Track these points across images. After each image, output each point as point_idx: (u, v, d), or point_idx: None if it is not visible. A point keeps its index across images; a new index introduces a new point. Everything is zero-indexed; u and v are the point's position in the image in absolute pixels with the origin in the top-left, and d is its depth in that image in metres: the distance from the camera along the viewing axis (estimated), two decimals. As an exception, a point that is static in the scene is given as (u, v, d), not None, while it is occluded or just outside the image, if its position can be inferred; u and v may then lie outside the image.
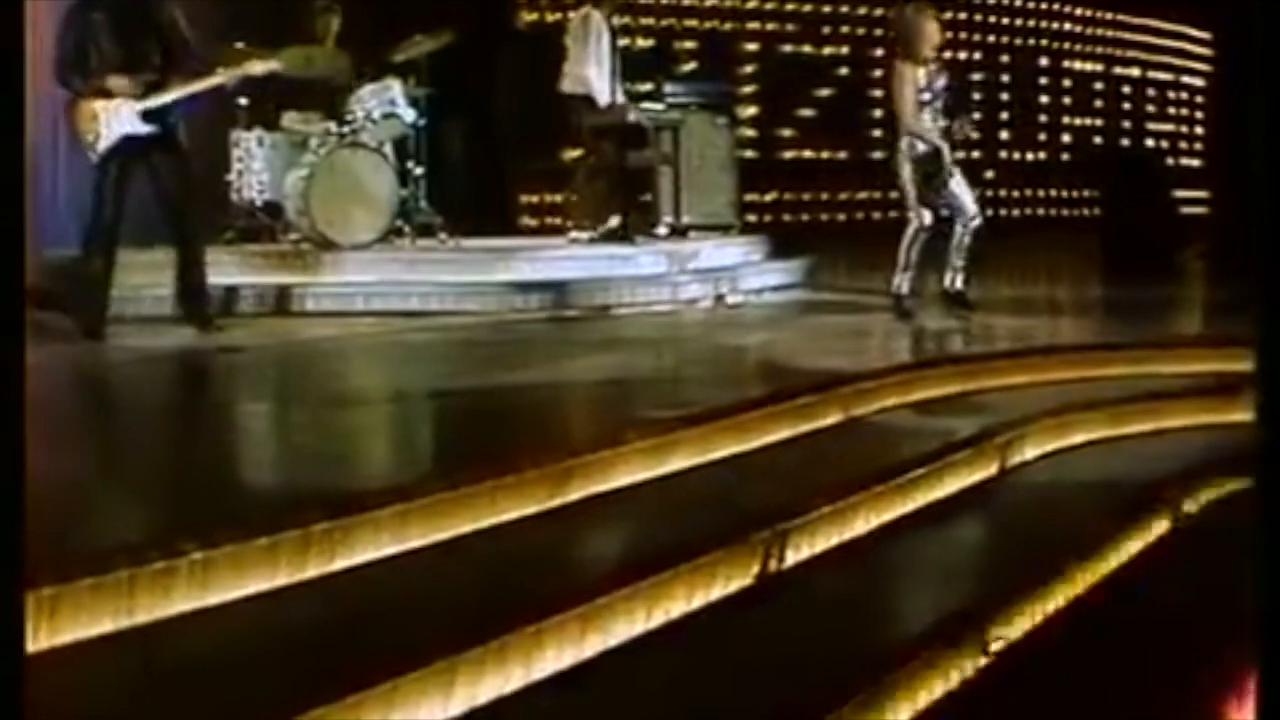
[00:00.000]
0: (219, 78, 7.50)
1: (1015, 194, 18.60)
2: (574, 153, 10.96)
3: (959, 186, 8.07)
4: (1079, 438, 5.78)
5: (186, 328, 7.38)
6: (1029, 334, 7.86)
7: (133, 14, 7.20)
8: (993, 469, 5.24)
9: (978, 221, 8.07)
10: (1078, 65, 19.66)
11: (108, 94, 7.09)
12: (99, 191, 7.13)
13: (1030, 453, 5.48)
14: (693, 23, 15.78)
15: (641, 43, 15.00)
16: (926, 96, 7.97)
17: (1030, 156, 18.87)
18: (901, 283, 8.09)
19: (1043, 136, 19.05)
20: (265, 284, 8.60)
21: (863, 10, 17.04)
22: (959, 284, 8.14)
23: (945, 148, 7.96)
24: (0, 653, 2.16)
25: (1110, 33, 20.09)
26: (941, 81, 8.04)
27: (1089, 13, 19.66)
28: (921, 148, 7.97)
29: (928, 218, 8.03)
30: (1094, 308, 9.94)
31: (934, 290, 8.33)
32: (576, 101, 9.79)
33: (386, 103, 9.52)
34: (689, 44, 15.60)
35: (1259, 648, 2.30)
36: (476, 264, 9.06)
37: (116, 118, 7.10)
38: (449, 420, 5.45)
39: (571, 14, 10.29)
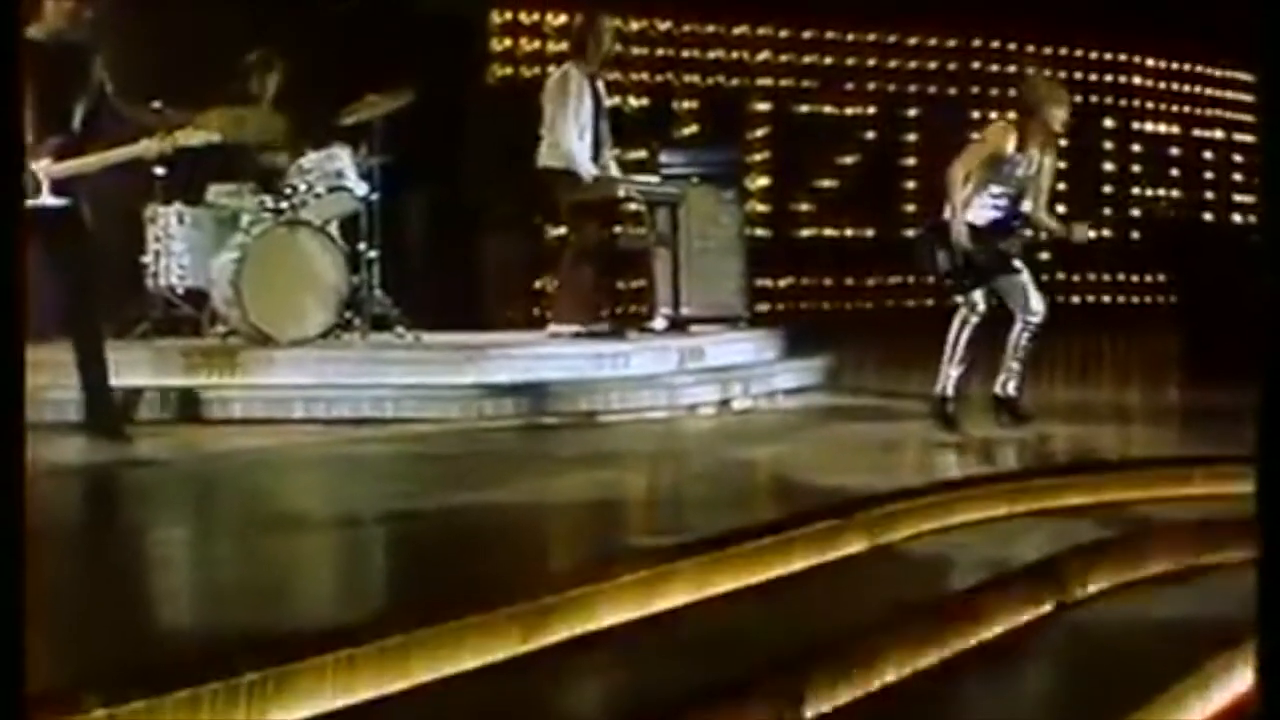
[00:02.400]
0: (141, 148, 7.54)
1: (1075, 279, 18.67)
2: (556, 232, 11.07)
3: (1025, 279, 8.14)
4: (1153, 568, 5.79)
5: (90, 437, 7.38)
6: (1092, 446, 7.90)
7: (62, 63, 7.20)
8: (1049, 606, 5.25)
9: (1038, 318, 8.11)
10: (1149, 126, 19.82)
11: None
12: None
13: (1094, 586, 5.49)
14: (694, 79, 15.94)
15: (634, 103, 15.14)
16: (1011, 173, 8.07)
17: (1093, 234, 18.96)
18: (946, 383, 8.13)
19: (1108, 211, 19.16)
20: (186, 386, 8.64)
21: (893, 63, 17.20)
22: (1011, 389, 8.18)
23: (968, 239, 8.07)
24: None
25: (1188, 88, 20.23)
26: (1030, 163, 8.13)
27: (1163, 65, 19.78)
28: (976, 216, 8.09)
29: (980, 305, 8.10)
30: (1170, 415, 9.99)
31: (981, 393, 8.38)
32: (556, 176, 9.89)
33: (333, 173, 9.63)
34: (689, 104, 15.77)
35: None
36: (440, 363, 9.13)
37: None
38: (405, 548, 5.47)
39: (552, 69, 10.42)
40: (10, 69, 2.55)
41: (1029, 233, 8.24)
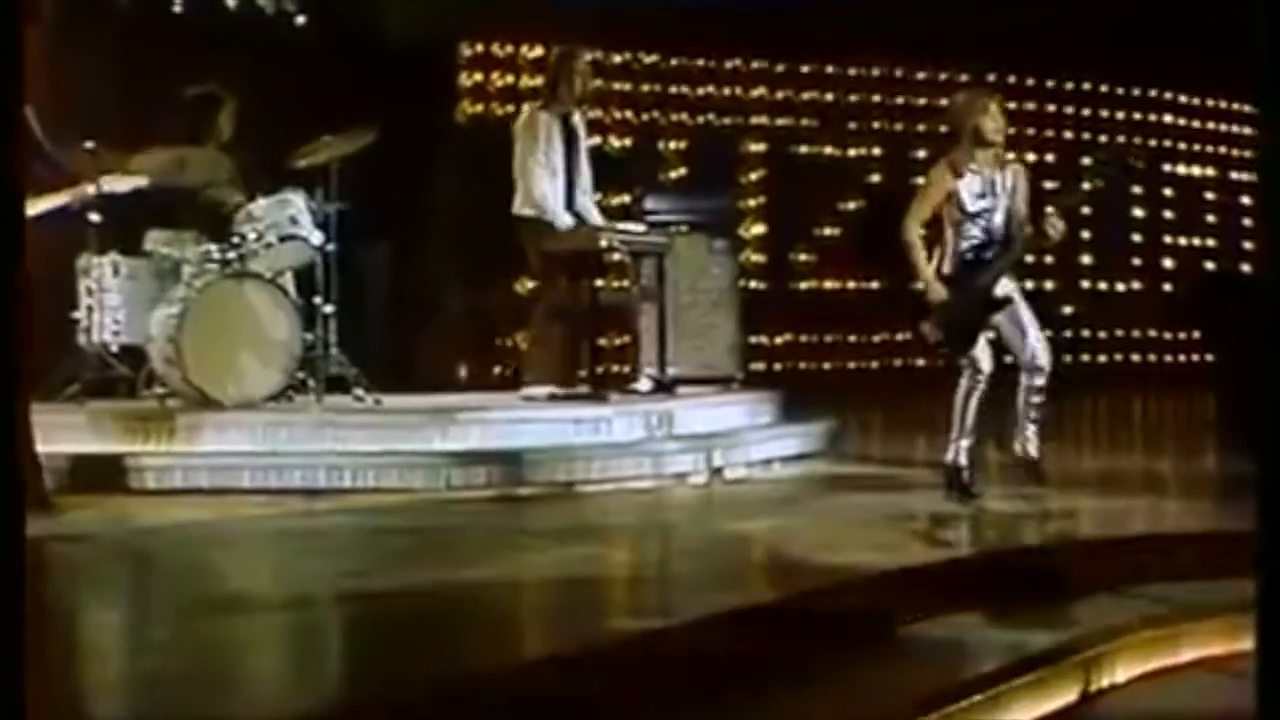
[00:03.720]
0: (66, 197, 7.53)
1: (1101, 335, 18.70)
2: (531, 285, 11.07)
3: (1023, 321, 8.16)
4: (1188, 654, 5.79)
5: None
6: (1121, 517, 7.90)
7: None
8: (1073, 695, 5.25)
9: (1043, 371, 8.13)
10: (1182, 169, 19.87)
11: None
12: None
13: (1122, 674, 5.49)
14: (682, 117, 15.98)
15: (616, 143, 15.19)
16: (973, 207, 8.13)
17: (1121, 287, 19.02)
18: (958, 451, 8.16)
19: (1137, 261, 19.20)
20: (121, 453, 8.62)
21: (900, 99, 17.25)
22: (1031, 450, 8.21)
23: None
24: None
25: (1225, 127, 20.28)
26: (991, 189, 8.17)
27: (1196, 101, 19.83)
28: (945, 266, 8.14)
29: (985, 364, 8.12)
30: (1206, 483, 9.99)
31: (995, 459, 8.39)
32: (529, 225, 9.88)
33: (286, 220, 9.64)
34: (677, 144, 15.81)
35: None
36: (403, 428, 9.12)
37: None
38: (364, 633, 5.45)
39: (527, 106, 10.44)
40: (11, 69, 2.62)
41: (1016, 249, 8.20)
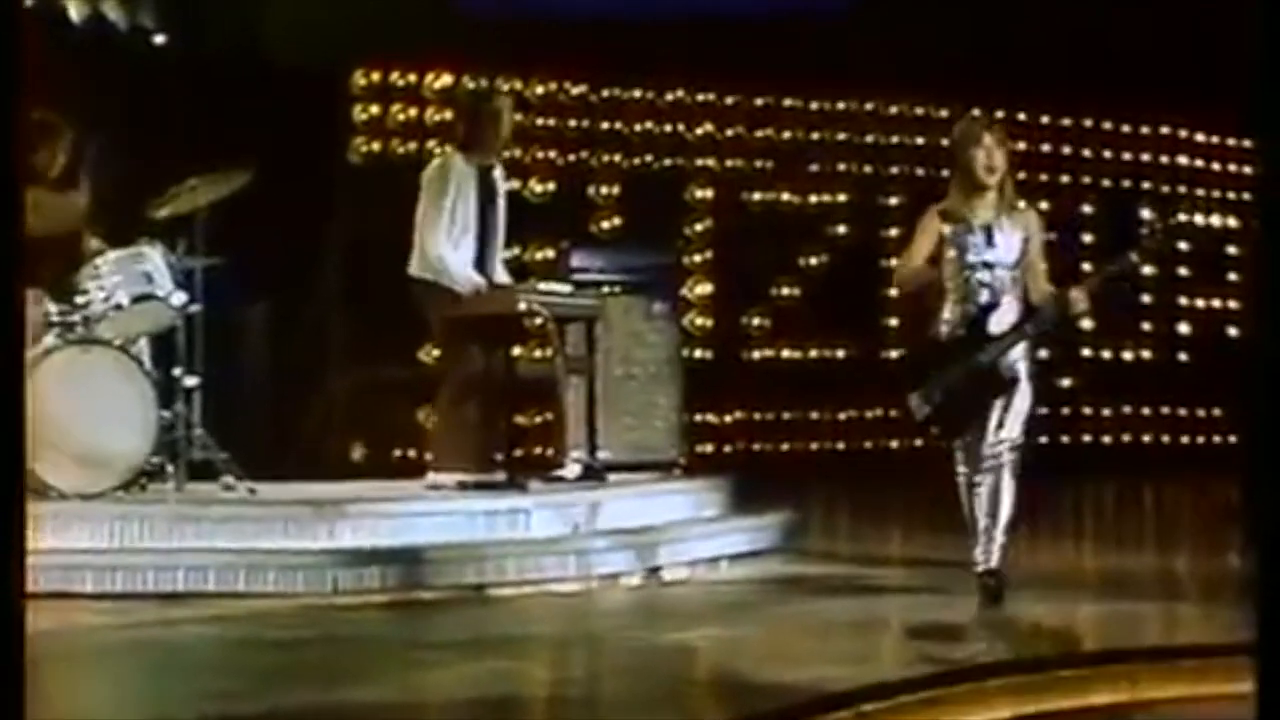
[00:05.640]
0: None
1: (1105, 413, 18.77)
2: (439, 353, 11.03)
3: (1013, 408, 8.06)
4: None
5: None
6: (1126, 628, 7.90)
7: None
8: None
9: (1003, 467, 8.03)
10: (1199, 219, 19.98)
11: None
12: None
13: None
14: (615, 158, 15.99)
15: (538, 189, 15.19)
16: (972, 260, 8.07)
17: (1128, 356, 19.11)
18: (987, 552, 8.07)
19: (1147, 326, 19.30)
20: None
21: (870, 138, 17.30)
22: (993, 559, 8.08)
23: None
24: None
25: (1249, 170, 20.41)
26: (989, 238, 8.13)
27: (1213, 140, 19.95)
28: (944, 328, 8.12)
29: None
30: (1225, 587, 10.01)
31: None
32: (423, 288, 9.81)
33: (140, 278, 9.57)
34: (609, 190, 15.82)
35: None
36: (281, 522, 9.08)
37: None
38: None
39: (432, 144, 10.40)
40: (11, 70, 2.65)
41: (1027, 328, 8.15)
